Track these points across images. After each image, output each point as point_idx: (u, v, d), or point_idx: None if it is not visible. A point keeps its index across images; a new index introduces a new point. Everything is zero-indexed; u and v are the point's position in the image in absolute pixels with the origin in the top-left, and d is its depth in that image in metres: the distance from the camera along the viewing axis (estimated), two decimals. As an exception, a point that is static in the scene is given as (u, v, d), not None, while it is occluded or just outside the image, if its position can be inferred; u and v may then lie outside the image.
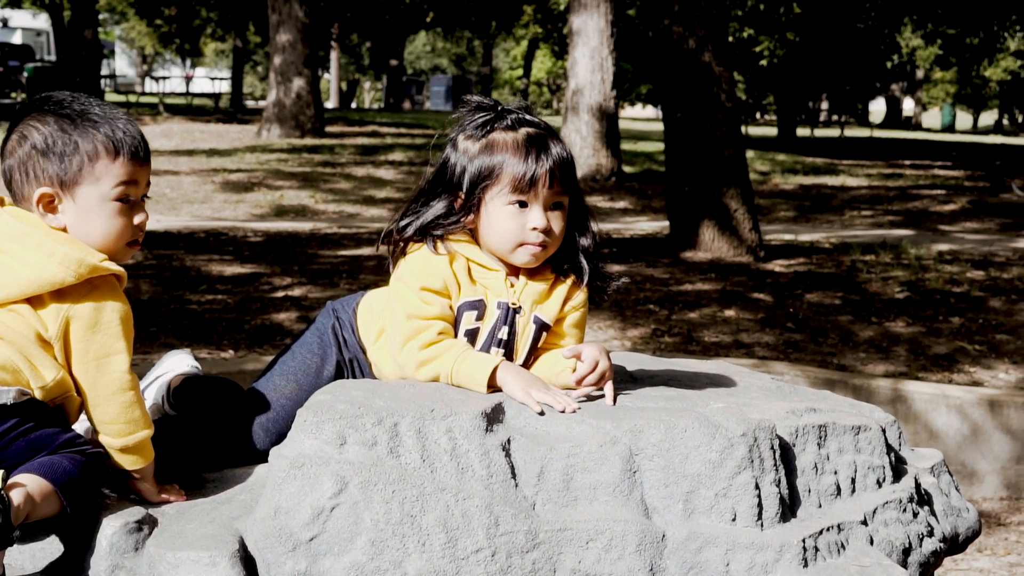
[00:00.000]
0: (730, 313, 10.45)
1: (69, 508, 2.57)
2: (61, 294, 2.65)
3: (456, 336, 2.98)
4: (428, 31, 64.66)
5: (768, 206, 19.16)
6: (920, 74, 65.66)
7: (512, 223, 2.97)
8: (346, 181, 20.92)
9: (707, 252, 13.37)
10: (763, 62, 39.81)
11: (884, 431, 3.02)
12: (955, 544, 3.11)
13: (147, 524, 2.64)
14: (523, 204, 2.97)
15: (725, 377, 3.34)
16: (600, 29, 19.94)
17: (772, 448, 2.71)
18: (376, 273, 11.50)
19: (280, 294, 10.61)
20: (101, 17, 52.31)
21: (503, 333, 3.01)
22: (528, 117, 3.05)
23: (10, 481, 2.48)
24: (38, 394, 2.62)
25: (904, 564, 2.80)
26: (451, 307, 2.98)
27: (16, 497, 2.45)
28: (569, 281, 3.09)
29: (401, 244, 3.04)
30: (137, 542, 2.60)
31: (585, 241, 3.08)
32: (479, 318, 2.99)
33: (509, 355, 3.02)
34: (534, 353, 3.08)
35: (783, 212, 19.14)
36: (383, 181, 21.03)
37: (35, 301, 2.65)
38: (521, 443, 2.66)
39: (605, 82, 20.23)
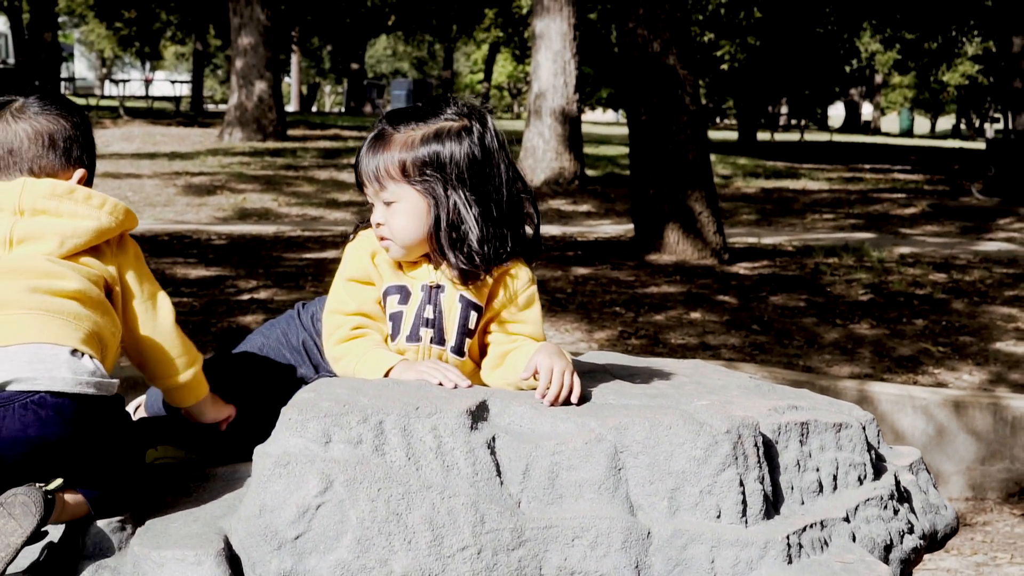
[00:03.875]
0: (696, 315, 10.48)
1: (94, 513, 2.62)
2: (109, 242, 2.79)
3: (385, 320, 3.06)
4: (389, 35, 64.62)
5: (730, 209, 19.23)
6: (879, 79, 66.09)
7: (372, 220, 3.08)
8: (309, 184, 20.88)
9: (672, 255, 13.40)
10: (724, 66, 39.98)
11: (864, 428, 3.03)
12: (934, 541, 3.12)
13: (130, 523, 2.63)
14: (371, 202, 3.09)
15: (704, 375, 3.34)
16: (563, 33, 19.97)
17: (756, 445, 2.72)
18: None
19: (246, 297, 10.57)
20: (60, 20, 51.97)
21: (429, 312, 3.04)
22: (430, 115, 3.08)
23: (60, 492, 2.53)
24: (108, 341, 2.70)
25: (886, 561, 2.80)
26: (378, 298, 3.07)
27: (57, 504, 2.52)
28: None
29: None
30: (120, 541, 2.58)
31: (450, 234, 3.02)
32: (402, 302, 3.05)
33: (440, 335, 3.05)
34: (469, 335, 3.08)
35: (745, 215, 19.22)
36: (346, 184, 20.98)
37: (95, 251, 2.76)
38: (506, 441, 2.65)
39: (568, 86, 20.26)
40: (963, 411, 7.74)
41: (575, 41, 20.13)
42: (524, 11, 40.94)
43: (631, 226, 14.71)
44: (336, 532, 2.46)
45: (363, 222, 3.17)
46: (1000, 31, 31.43)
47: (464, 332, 3.06)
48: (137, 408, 3.34)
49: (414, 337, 3.04)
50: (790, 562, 2.61)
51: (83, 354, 2.55)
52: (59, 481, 2.51)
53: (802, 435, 2.88)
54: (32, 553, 2.64)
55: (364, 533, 2.46)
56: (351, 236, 3.17)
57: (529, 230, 3.12)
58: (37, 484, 2.46)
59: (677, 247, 13.43)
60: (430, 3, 48.65)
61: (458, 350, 3.06)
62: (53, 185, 2.77)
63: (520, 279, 3.10)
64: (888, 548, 2.83)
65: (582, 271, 12.56)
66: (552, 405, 2.83)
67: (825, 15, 38.72)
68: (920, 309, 11.03)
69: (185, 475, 2.96)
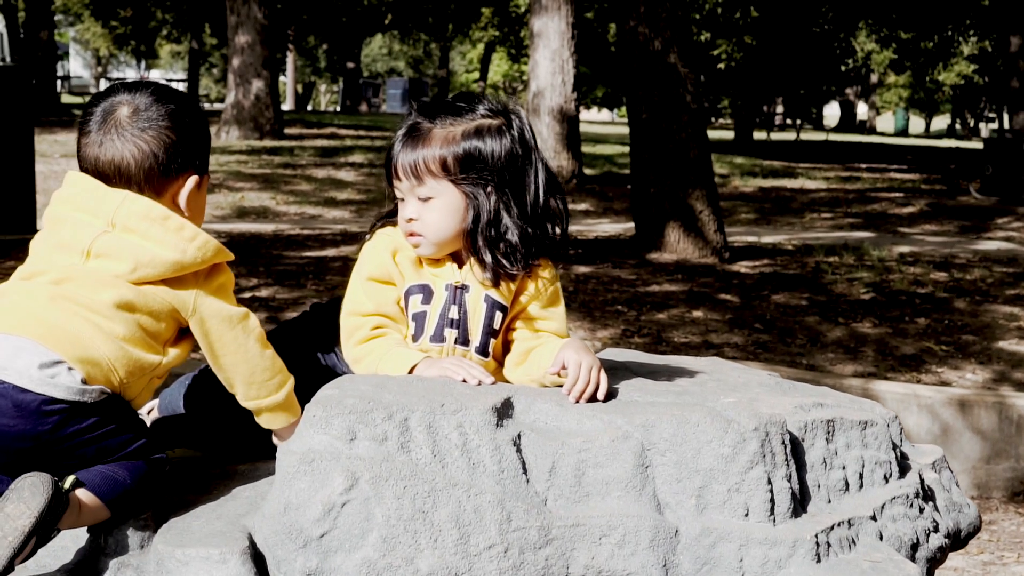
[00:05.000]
0: (698, 314, 10.46)
1: (115, 515, 2.59)
2: (196, 274, 2.75)
3: (407, 320, 3.02)
4: (385, 34, 64.53)
5: (729, 208, 19.19)
6: (874, 78, 66.09)
7: (400, 215, 3.02)
8: (307, 183, 20.84)
9: (673, 253, 13.37)
10: (720, 65, 39.95)
11: (888, 426, 3.01)
12: (957, 540, 3.10)
13: (152, 522, 2.61)
14: (402, 197, 3.03)
15: (724, 373, 3.32)
16: (561, 31, 19.92)
17: (783, 443, 2.69)
18: (342, 274, 11.43)
19: (247, 295, 10.54)
20: (56, 18, 51.89)
21: (453, 312, 3.01)
22: (460, 107, 3.04)
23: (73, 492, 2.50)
24: (122, 373, 2.63)
25: (912, 560, 2.78)
26: (399, 297, 3.02)
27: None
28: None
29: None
30: (143, 539, 2.56)
31: (488, 233, 3.00)
32: (425, 301, 3.01)
33: (465, 335, 3.02)
34: (494, 335, 3.05)
35: (744, 214, 19.20)
36: (344, 183, 20.96)
37: (172, 281, 2.72)
38: (532, 438, 2.62)
39: (566, 84, 20.21)
40: (968, 410, 7.73)
41: (573, 40, 20.07)
42: (521, 10, 40.91)
43: (630, 225, 14.68)
44: (362, 530, 2.44)
45: (380, 219, 3.12)
46: (997, 30, 31.42)
47: (489, 332, 3.03)
48: (151, 410, 3.30)
49: (438, 337, 3.00)
50: (819, 561, 2.59)
51: (68, 368, 2.53)
52: (72, 478, 2.49)
53: (828, 433, 2.86)
54: (52, 551, 2.61)
55: (390, 531, 2.44)
56: (367, 235, 3.12)
57: (557, 229, 3.08)
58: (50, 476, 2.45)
59: (678, 246, 13.41)
60: (426, 2, 48.61)
61: (482, 350, 3.03)
62: (150, 207, 2.72)
63: (545, 276, 3.07)
64: (915, 547, 2.81)
65: (583, 270, 12.53)
66: (578, 401, 2.80)
67: (821, 14, 38.71)
68: (922, 308, 11.02)
69: (205, 473, 2.93)
